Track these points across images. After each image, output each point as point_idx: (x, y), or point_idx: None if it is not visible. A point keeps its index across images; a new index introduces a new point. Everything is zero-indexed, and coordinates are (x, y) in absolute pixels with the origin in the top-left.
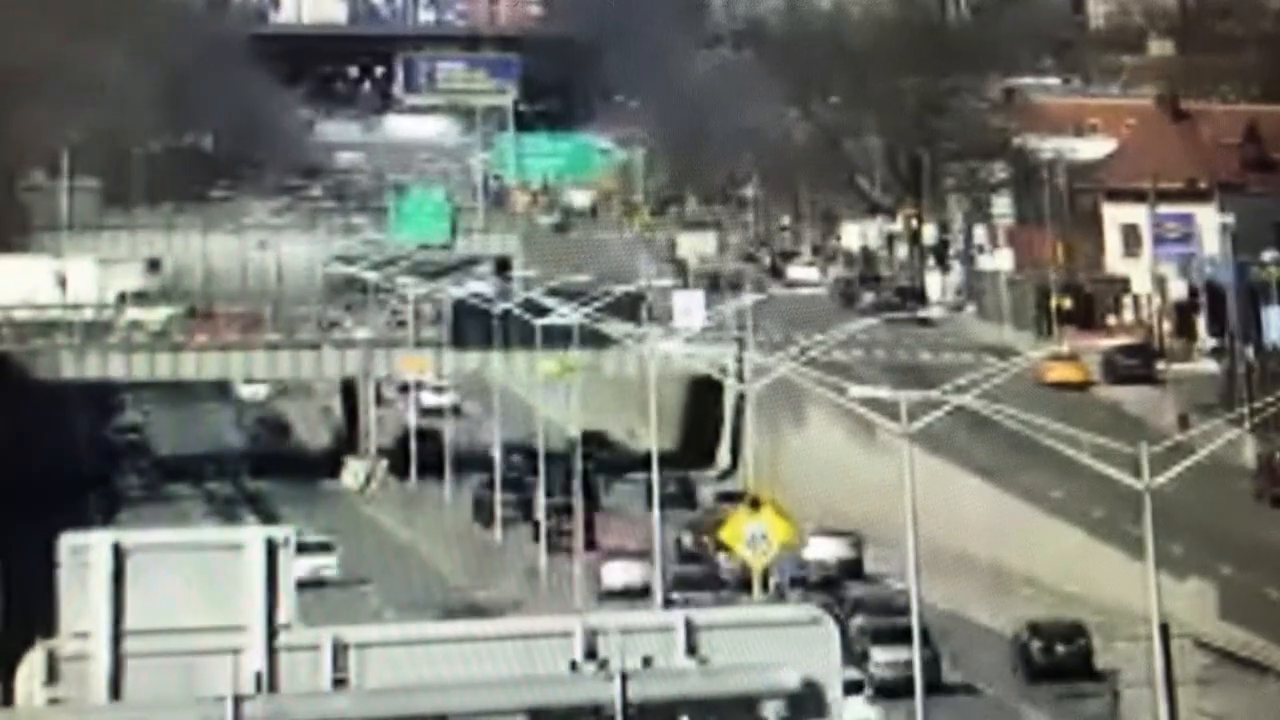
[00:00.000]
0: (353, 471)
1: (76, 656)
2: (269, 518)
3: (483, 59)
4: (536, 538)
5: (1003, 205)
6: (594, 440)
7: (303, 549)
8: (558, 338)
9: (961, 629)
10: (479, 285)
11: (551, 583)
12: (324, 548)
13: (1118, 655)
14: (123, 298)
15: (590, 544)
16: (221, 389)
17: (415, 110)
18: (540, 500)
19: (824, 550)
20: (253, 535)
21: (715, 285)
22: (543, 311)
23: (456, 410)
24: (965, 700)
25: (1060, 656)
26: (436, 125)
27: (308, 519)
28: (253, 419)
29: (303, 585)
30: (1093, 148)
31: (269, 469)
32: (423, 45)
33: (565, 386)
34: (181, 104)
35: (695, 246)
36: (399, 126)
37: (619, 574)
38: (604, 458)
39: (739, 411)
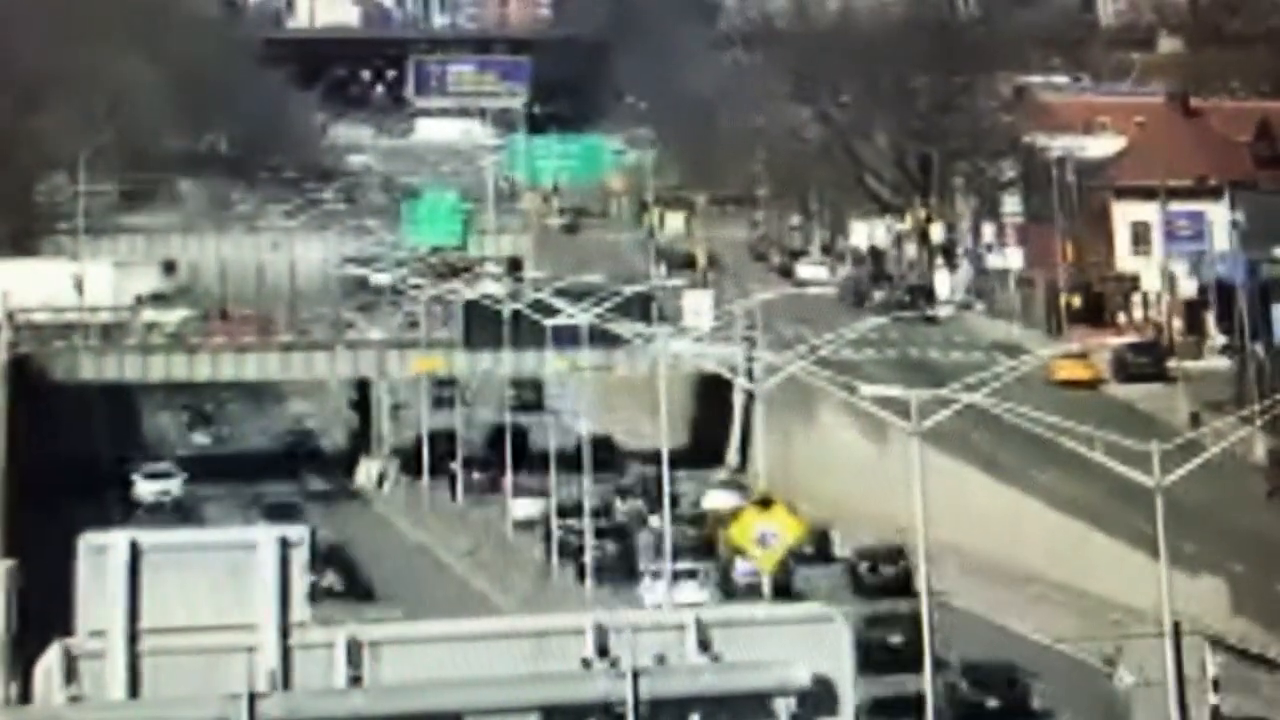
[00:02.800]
0: (366, 470)
1: (93, 654)
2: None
3: (494, 61)
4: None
5: (1012, 203)
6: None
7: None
8: (568, 338)
9: (959, 621)
10: (490, 286)
11: (469, 515)
12: None
13: (1135, 651)
14: (139, 300)
15: (495, 486)
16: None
17: (426, 113)
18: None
19: (719, 501)
20: (266, 535)
21: (689, 264)
22: (553, 312)
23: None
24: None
25: (885, 576)
26: (464, 127)
27: (322, 518)
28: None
29: None
30: (1102, 145)
31: (290, 469)
32: (435, 48)
33: (575, 386)
34: (197, 108)
35: (667, 225)
36: (428, 129)
37: (524, 508)
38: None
39: (748, 410)
